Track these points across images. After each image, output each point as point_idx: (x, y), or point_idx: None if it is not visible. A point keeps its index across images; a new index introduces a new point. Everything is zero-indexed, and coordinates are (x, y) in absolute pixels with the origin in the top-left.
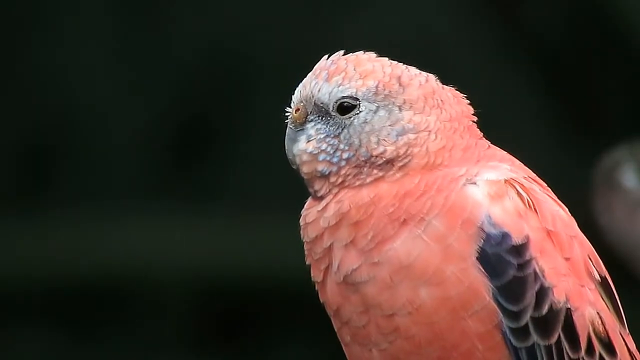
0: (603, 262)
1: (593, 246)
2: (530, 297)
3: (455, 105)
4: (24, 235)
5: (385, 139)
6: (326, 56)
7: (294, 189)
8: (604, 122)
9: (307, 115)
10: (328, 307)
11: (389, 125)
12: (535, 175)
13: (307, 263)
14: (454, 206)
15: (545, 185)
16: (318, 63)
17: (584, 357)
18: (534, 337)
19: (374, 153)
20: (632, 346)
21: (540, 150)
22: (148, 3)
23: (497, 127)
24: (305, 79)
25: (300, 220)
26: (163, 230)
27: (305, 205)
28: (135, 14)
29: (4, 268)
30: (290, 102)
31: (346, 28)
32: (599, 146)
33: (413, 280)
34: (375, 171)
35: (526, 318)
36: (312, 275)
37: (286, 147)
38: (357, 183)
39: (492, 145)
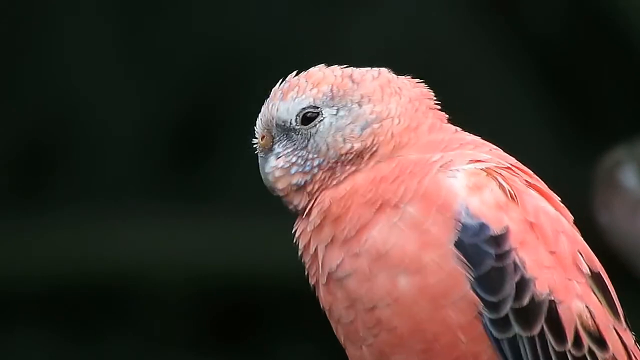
0: (603, 262)
1: (593, 246)
2: (509, 288)
3: (412, 88)
4: (23, 235)
5: (351, 135)
6: (280, 80)
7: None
8: (604, 122)
9: (273, 139)
10: (324, 310)
11: (352, 123)
12: (515, 161)
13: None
14: (427, 192)
15: (532, 173)
16: (273, 89)
17: (571, 350)
18: (515, 329)
19: (342, 152)
20: (630, 341)
21: (540, 150)
22: (148, 3)
23: (497, 127)
24: (263, 107)
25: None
26: (163, 230)
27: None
28: (135, 15)
29: (4, 268)
30: (255, 133)
31: (347, 29)
32: (599, 146)
33: (391, 269)
34: (347, 167)
35: (506, 309)
36: (309, 280)
37: (262, 176)
38: (334, 182)
39: (460, 129)
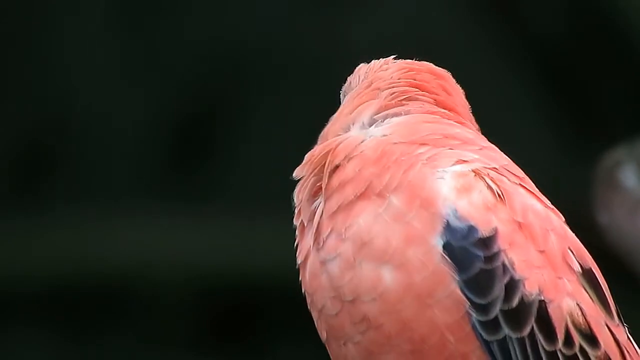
0: (603, 262)
1: (593, 246)
2: (499, 290)
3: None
4: (23, 235)
5: None
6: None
7: (294, 189)
8: (604, 122)
9: None
10: (307, 297)
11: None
12: (509, 161)
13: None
14: (411, 184)
15: (521, 173)
16: None
17: (562, 349)
18: (505, 330)
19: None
20: (622, 337)
21: (540, 150)
22: (148, 3)
23: (497, 127)
24: None
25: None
26: (163, 230)
27: None
28: (135, 15)
29: (4, 268)
30: None
31: (347, 29)
32: (599, 146)
33: (374, 260)
34: None
35: (495, 311)
36: (297, 258)
37: None
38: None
39: (447, 120)
